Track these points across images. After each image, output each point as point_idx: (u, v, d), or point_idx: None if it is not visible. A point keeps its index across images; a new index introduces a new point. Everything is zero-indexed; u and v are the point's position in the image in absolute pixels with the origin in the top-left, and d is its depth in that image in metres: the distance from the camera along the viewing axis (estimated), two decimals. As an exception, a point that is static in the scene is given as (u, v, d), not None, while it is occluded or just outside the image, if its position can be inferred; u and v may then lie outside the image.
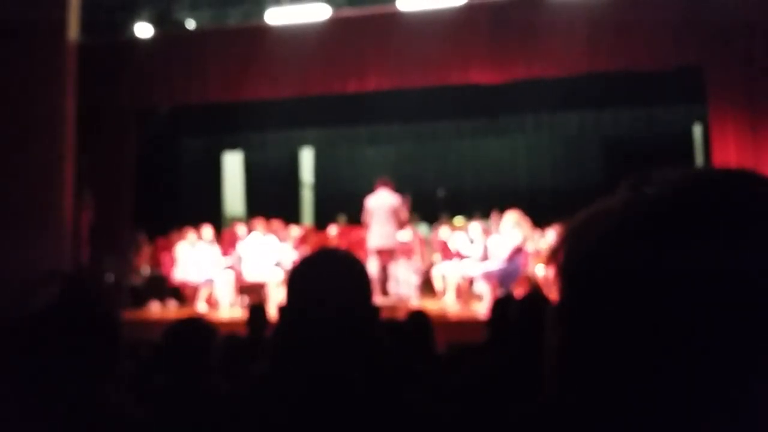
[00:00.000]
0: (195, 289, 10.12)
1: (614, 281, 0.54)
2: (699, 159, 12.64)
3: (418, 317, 4.46)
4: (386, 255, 9.34)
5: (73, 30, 10.31)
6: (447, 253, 9.60)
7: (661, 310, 0.51)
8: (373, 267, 9.00)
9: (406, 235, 10.02)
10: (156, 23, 12.13)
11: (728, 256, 0.51)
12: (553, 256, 0.60)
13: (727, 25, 9.42)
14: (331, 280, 1.47)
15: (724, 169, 0.58)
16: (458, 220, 11.60)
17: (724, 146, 9.70)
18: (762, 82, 9.63)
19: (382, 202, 9.20)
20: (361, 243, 9.75)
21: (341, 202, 14.13)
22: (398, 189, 9.47)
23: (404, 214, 9.32)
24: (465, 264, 9.42)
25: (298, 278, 1.50)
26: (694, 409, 0.51)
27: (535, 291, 3.09)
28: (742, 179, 0.56)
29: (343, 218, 12.38)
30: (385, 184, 9.35)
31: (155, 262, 10.72)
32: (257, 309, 5.58)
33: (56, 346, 1.44)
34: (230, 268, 9.91)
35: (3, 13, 9.08)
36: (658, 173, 0.59)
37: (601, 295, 0.55)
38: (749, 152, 9.58)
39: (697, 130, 12.89)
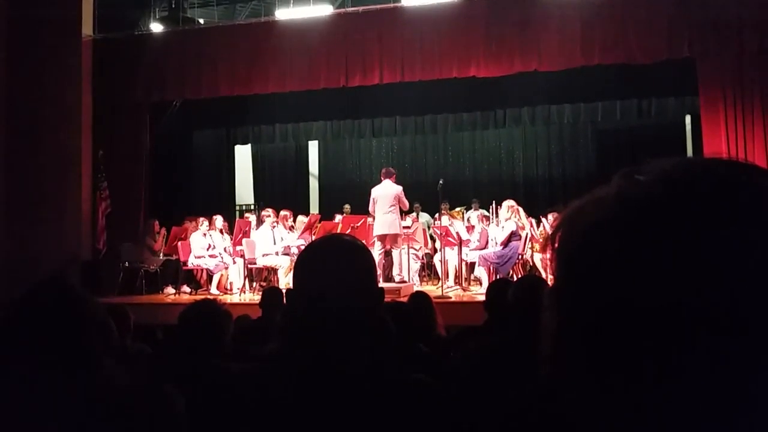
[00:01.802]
0: (208, 275, 10.18)
1: (606, 266, 0.54)
2: (690, 149, 12.61)
3: (420, 298, 4.47)
4: (389, 241, 9.39)
5: (88, 26, 10.32)
6: (447, 240, 9.61)
7: (649, 294, 0.51)
8: (376, 253, 9.03)
9: (407, 222, 10.07)
10: (168, 19, 12.10)
11: (718, 242, 0.51)
12: (549, 242, 0.60)
13: (718, 19, 9.37)
14: (337, 264, 1.47)
15: (716, 157, 0.58)
16: (457, 209, 11.62)
17: (715, 136, 9.68)
18: (752, 74, 9.60)
19: (385, 191, 9.25)
20: (364, 230, 9.77)
21: (345, 192, 14.14)
22: (400, 179, 9.50)
23: (405, 202, 9.36)
24: (464, 250, 9.45)
25: (305, 262, 1.51)
26: (686, 393, 0.51)
27: (531, 273, 3.10)
28: (733, 168, 0.56)
29: (347, 208, 12.40)
30: (389, 174, 9.39)
31: (169, 250, 10.75)
32: (270, 292, 5.60)
33: (26, 343, 1.45)
34: (241, 254, 9.94)
35: (19, 11, 9.07)
36: (651, 162, 0.59)
37: (594, 279, 0.55)
38: (739, 142, 9.57)
39: (689, 121, 12.85)
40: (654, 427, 0.52)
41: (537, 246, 9.31)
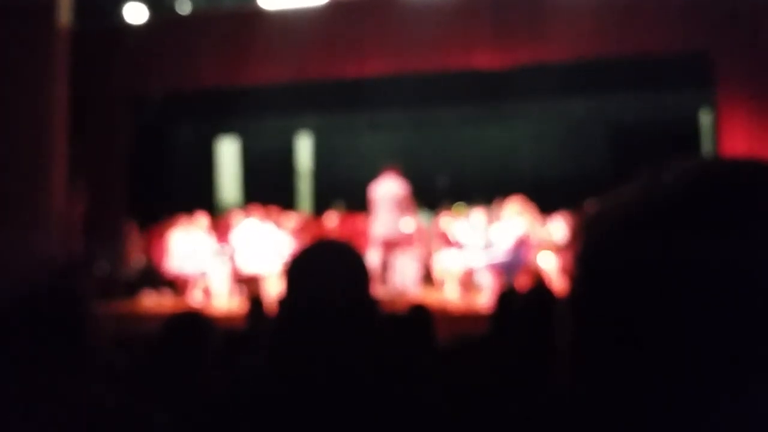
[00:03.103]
0: (189, 280, 10.14)
1: (631, 273, 0.54)
2: (706, 145, 12.64)
3: (419, 312, 4.46)
4: (390, 245, 9.32)
5: (65, 15, 10.29)
6: (448, 243, 9.60)
7: (677, 302, 0.51)
8: (374, 257, 8.99)
9: (408, 224, 10.01)
10: (149, 7, 12.08)
11: (744, 248, 0.50)
12: (569, 247, 0.60)
13: (736, 9, 9.40)
14: (329, 272, 1.46)
15: (742, 158, 0.58)
16: (459, 206, 11.56)
17: (733, 133, 9.70)
18: (771, 66, 9.63)
19: (387, 190, 9.18)
20: (362, 232, 9.75)
21: (340, 189, 14.13)
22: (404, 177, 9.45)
23: (411, 204, 9.31)
24: (466, 254, 9.42)
25: (296, 270, 1.50)
26: (709, 406, 0.50)
27: (540, 284, 3.09)
28: (760, 170, 0.56)
29: (341, 205, 12.36)
30: (393, 171, 9.32)
31: (149, 252, 10.72)
32: (255, 302, 5.60)
33: (23, 337, 1.43)
34: (226, 257, 9.92)
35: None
36: (675, 162, 0.58)
37: (616, 286, 0.54)
38: (759, 139, 9.59)
39: (705, 116, 12.89)
40: None
41: (545, 251, 9.27)
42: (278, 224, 10.32)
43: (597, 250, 0.57)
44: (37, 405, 1.40)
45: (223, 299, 9.79)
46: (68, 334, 1.48)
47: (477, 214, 9.85)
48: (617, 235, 0.56)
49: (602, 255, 0.56)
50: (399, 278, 9.41)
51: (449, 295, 9.36)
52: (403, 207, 9.18)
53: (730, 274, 0.51)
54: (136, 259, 10.70)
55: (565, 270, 0.61)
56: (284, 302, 1.48)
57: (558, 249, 8.97)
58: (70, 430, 1.40)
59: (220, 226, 10.72)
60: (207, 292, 10.06)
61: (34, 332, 1.45)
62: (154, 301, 10.07)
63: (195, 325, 2.75)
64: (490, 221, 9.83)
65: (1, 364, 1.42)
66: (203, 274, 10.02)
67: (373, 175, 9.44)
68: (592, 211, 0.59)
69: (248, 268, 9.84)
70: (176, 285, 10.40)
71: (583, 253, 0.59)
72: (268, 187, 15.38)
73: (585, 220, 0.60)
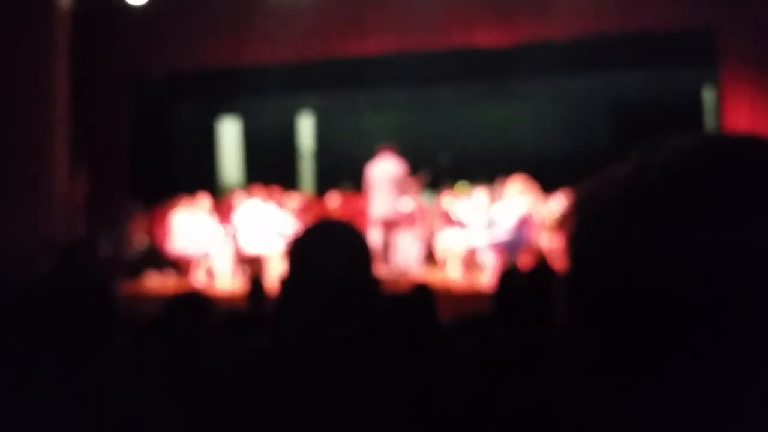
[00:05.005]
0: (192, 261, 10.15)
1: (622, 252, 0.54)
2: (710, 123, 12.59)
3: (422, 291, 4.46)
4: (390, 225, 9.32)
5: (63, -6, 10.22)
6: (450, 222, 9.60)
7: (668, 282, 0.51)
8: (375, 237, 8.99)
9: (409, 204, 9.98)
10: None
11: (740, 227, 0.50)
12: (562, 227, 0.60)
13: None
14: (331, 252, 1.47)
15: (737, 135, 0.58)
16: (461, 185, 11.53)
17: (736, 110, 9.66)
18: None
19: (385, 170, 9.16)
20: (364, 212, 9.74)
21: (342, 169, 14.09)
22: (401, 156, 9.44)
23: (409, 183, 9.30)
24: (469, 233, 9.42)
25: (298, 250, 1.51)
26: (702, 387, 0.51)
27: (542, 262, 3.09)
28: (755, 146, 0.55)
29: (348, 184, 12.30)
30: (389, 150, 9.31)
31: (152, 233, 10.73)
32: (256, 282, 5.61)
33: (49, 319, 1.44)
34: (228, 238, 9.92)
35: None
36: (669, 140, 0.58)
37: (609, 266, 0.54)
38: (762, 116, 9.54)
39: (708, 93, 12.82)
40: (664, 421, 0.52)
41: (548, 229, 9.26)
42: (280, 204, 10.31)
43: (588, 229, 0.57)
44: (64, 385, 1.42)
45: (225, 280, 9.81)
46: (93, 312, 1.50)
47: (479, 193, 9.83)
48: (609, 215, 0.56)
49: (593, 234, 0.57)
50: (401, 258, 9.42)
51: (452, 275, 9.37)
52: (401, 186, 9.16)
53: (721, 253, 0.50)
54: (139, 240, 10.71)
55: (560, 249, 0.61)
56: (286, 282, 1.49)
57: (555, 228, 8.95)
58: (89, 411, 1.42)
59: (222, 206, 10.71)
60: (210, 273, 10.08)
61: (60, 312, 1.46)
62: (157, 282, 10.10)
63: (196, 305, 2.77)
64: (493, 200, 9.81)
65: (27, 345, 1.44)
66: (206, 255, 10.03)
67: (375, 154, 9.43)
68: (584, 190, 0.59)
69: (251, 249, 9.85)
70: (179, 266, 10.42)
71: (575, 233, 0.59)
72: (270, 168, 15.32)
73: (577, 200, 0.60)
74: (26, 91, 9.20)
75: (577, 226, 0.59)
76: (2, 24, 9.09)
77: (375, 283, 1.51)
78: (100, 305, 1.52)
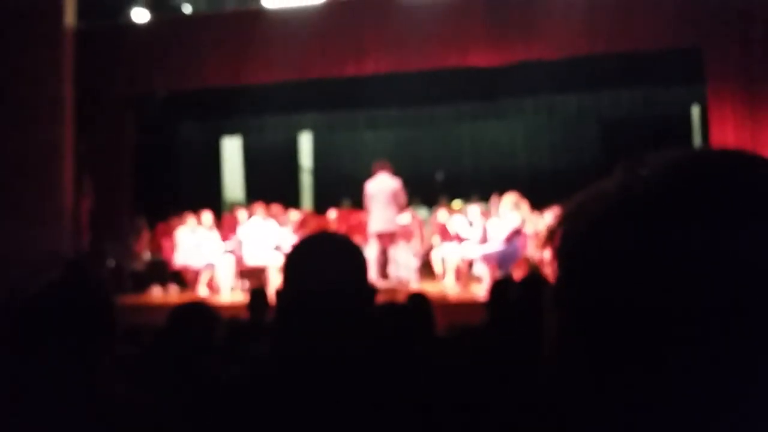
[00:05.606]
0: (196, 274, 10.14)
1: (607, 264, 0.54)
2: (697, 140, 12.63)
3: (418, 299, 4.47)
4: (387, 239, 9.35)
5: (70, 15, 10.26)
6: (446, 236, 9.60)
7: (653, 292, 0.51)
8: (373, 251, 9.02)
9: (405, 218, 10.02)
10: (153, 8, 12.06)
11: (723, 237, 0.51)
12: (549, 239, 0.60)
13: (726, 7, 9.40)
14: (326, 263, 1.47)
15: (720, 149, 0.58)
16: (457, 202, 11.58)
17: (722, 127, 9.70)
18: (760, 64, 9.61)
19: (381, 186, 9.20)
20: (361, 227, 9.75)
21: (340, 186, 14.10)
22: (397, 173, 9.47)
23: (404, 197, 9.33)
24: (464, 246, 9.44)
25: (294, 261, 1.51)
26: (691, 393, 0.51)
27: (534, 272, 3.10)
28: (738, 159, 0.56)
29: (347, 202, 12.34)
30: (384, 167, 9.35)
31: (156, 248, 10.72)
32: (258, 293, 5.61)
33: (51, 331, 1.44)
34: (230, 252, 9.92)
35: (-1, 0, 9.03)
36: (654, 154, 0.58)
37: (595, 278, 0.55)
38: (747, 133, 9.58)
39: (696, 112, 12.87)
40: (653, 428, 0.52)
41: (540, 243, 9.29)
42: (280, 221, 10.34)
43: (575, 241, 0.58)
44: (65, 396, 1.42)
45: (228, 293, 9.80)
46: (95, 324, 1.49)
47: (474, 209, 9.85)
48: (595, 227, 0.56)
49: (580, 247, 0.57)
50: (398, 271, 9.42)
51: (448, 287, 9.37)
52: (398, 201, 9.21)
53: (706, 264, 0.51)
54: (143, 254, 10.70)
55: (549, 261, 0.61)
56: (283, 293, 1.49)
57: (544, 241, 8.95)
58: (93, 421, 1.41)
59: (224, 222, 10.71)
60: (212, 286, 10.08)
61: (62, 323, 1.45)
62: (161, 296, 10.07)
63: (200, 314, 2.77)
64: (487, 216, 9.85)
65: (27, 355, 1.43)
66: (209, 269, 10.03)
67: (372, 171, 9.45)
68: (571, 204, 0.60)
69: (252, 262, 9.86)
70: (183, 279, 10.42)
71: (562, 246, 0.59)
72: (270, 184, 15.35)
73: (564, 213, 0.60)
74: (32, 109, 9.21)
75: (563, 239, 0.59)
76: (9, 44, 9.11)
77: (370, 292, 1.52)
78: (101, 315, 1.52)
